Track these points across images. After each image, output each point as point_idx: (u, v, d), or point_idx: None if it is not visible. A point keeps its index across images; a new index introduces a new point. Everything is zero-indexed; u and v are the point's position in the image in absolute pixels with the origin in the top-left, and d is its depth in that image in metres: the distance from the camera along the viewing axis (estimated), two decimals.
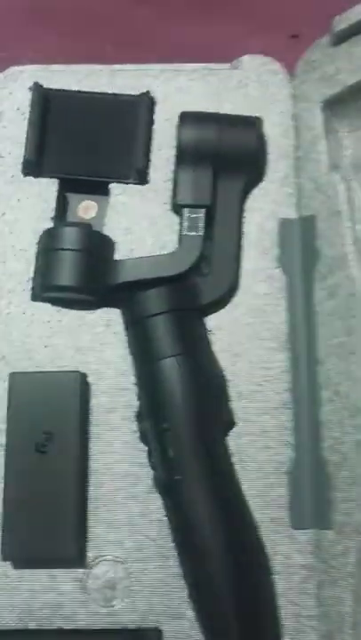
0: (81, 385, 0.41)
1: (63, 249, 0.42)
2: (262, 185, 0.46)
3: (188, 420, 0.40)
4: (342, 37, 0.45)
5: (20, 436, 0.40)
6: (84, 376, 0.42)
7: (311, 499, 0.41)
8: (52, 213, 0.45)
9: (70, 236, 0.42)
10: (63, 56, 0.49)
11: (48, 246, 0.43)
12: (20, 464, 0.40)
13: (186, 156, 0.44)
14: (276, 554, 0.41)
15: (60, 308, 0.44)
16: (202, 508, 0.39)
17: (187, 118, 0.45)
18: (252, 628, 0.39)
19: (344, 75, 0.45)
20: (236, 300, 0.44)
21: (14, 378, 0.41)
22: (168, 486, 0.40)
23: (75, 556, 0.40)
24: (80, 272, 0.42)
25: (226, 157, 0.44)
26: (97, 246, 0.43)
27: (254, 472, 0.42)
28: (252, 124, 0.45)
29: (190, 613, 0.40)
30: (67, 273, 0.42)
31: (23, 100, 0.47)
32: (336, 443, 0.41)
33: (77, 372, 0.42)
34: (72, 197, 0.47)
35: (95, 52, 0.51)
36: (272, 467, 0.42)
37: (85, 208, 0.47)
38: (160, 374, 0.41)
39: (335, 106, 0.46)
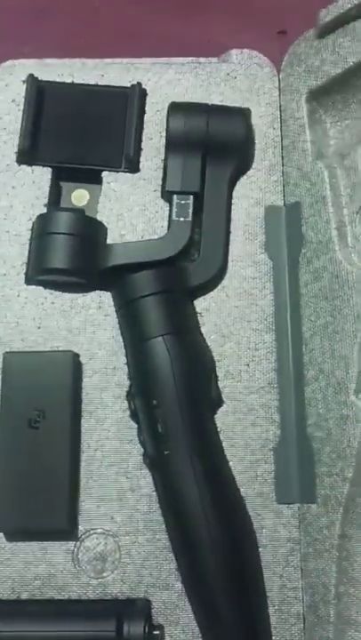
0: (73, 364, 0.43)
1: (57, 233, 0.43)
2: (250, 173, 0.48)
3: (176, 398, 0.41)
4: (327, 30, 0.46)
5: (14, 413, 0.41)
6: (76, 356, 0.44)
7: (296, 474, 0.43)
8: (46, 201, 0.47)
9: (63, 221, 0.44)
10: (58, 51, 0.51)
11: (42, 231, 0.44)
12: (13, 439, 0.41)
13: (175, 145, 0.46)
14: (262, 528, 0.42)
15: (52, 290, 0.45)
16: (189, 483, 0.40)
17: (176, 108, 0.46)
18: (238, 598, 0.40)
19: (329, 66, 0.46)
20: (225, 283, 0.46)
21: (8, 357, 0.43)
22: (157, 462, 0.41)
23: (66, 529, 0.41)
24: (73, 255, 0.43)
25: (214, 146, 0.46)
26: (89, 231, 0.44)
27: (241, 449, 0.43)
28: (240, 114, 0.47)
29: (178, 585, 0.41)
30: (60, 256, 0.43)
31: (18, 92, 0.49)
32: (321, 419, 0.42)
33: (70, 351, 0.43)
34: (65, 186, 0.49)
35: (89, 48, 0.52)
36: (259, 444, 0.43)
37: (78, 196, 0.49)
38: (150, 353, 0.42)
39: (320, 97, 0.47)
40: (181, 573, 0.41)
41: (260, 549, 0.42)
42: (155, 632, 0.40)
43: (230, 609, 0.39)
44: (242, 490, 0.42)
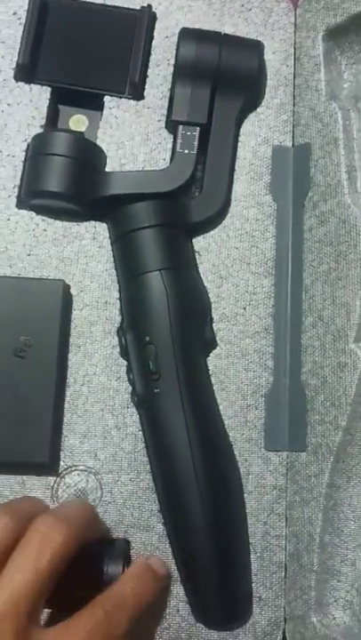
0: (63, 294, 0.41)
1: (53, 154, 0.41)
2: (259, 110, 0.46)
3: (170, 335, 0.39)
4: None
5: None
6: (67, 286, 0.41)
7: (287, 421, 0.41)
8: (43, 122, 0.44)
9: (61, 142, 0.41)
10: None
11: (38, 151, 0.42)
12: None
13: (184, 73, 0.43)
14: (248, 474, 0.41)
15: (45, 217, 0.43)
16: (178, 423, 0.38)
17: (187, 34, 0.44)
18: (220, 543, 0.39)
19: (349, 3, 0.44)
20: (226, 223, 0.44)
21: None
22: (146, 400, 0.40)
23: (47, 464, 0.39)
24: (69, 179, 0.41)
25: (225, 77, 0.43)
26: (88, 155, 0.42)
27: (233, 393, 0.42)
28: (255, 47, 0.45)
29: (160, 527, 0.40)
30: (55, 179, 0.41)
31: (21, 4, 0.46)
32: (316, 367, 0.41)
33: (61, 280, 0.41)
34: (64, 110, 0.46)
35: None
36: (250, 389, 0.42)
37: (76, 121, 0.46)
38: (146, 287, 0.40)
39: (338, 35, 0.45)
40: (164, 515, 0.40)
41: (245, 495, 0.41)
42: None
43: (211, 553, 0.38)
44: (230, 434, 0.41)
